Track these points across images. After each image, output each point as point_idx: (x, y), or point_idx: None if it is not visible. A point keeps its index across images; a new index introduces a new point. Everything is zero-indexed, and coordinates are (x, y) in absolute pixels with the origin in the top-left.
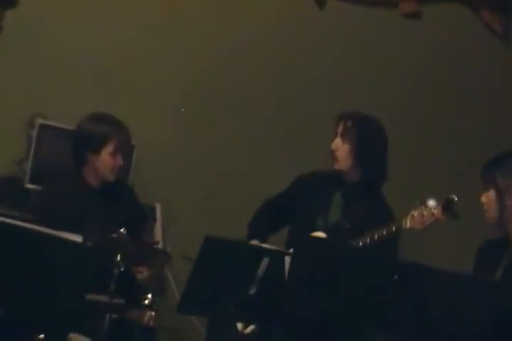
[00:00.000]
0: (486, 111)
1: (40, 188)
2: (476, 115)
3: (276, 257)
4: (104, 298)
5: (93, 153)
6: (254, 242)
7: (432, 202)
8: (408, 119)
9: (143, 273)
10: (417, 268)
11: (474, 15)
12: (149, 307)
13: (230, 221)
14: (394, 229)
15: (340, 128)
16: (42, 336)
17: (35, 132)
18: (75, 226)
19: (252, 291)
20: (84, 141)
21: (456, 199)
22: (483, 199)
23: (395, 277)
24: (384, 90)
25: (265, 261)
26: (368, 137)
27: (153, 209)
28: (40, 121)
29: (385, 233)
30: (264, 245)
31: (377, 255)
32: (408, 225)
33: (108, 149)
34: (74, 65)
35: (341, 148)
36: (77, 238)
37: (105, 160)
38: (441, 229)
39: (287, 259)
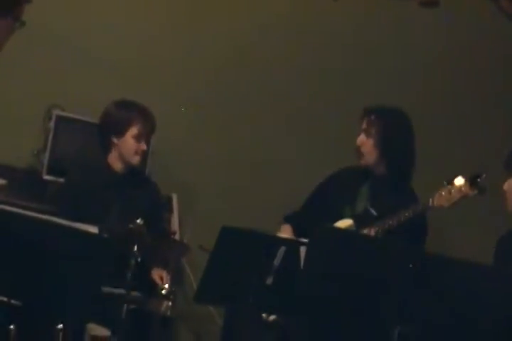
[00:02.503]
0: (507, 99)
1: (57, 180)
2: (496, 104)
3: (293, 247)
4: (120, 291)
5: (118, 135)
6: (286, 226)
7: (459, 180)
8: (424, 110)
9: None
10: (437, 259)
11: (493, 3)
12: (166, 297)
13: (247, 211)
14: (420, 208)
15: (363, 124)
16: (60, 326)
17: (52, 124)
18: (99, 216)
19: (269, 281)
20: (110, 125)
21: (484, 175)
22: (505, 186)
23: (410, 266)
24: (402, 81)
25: (281, 251)
26: (391, 130)
27: (169, 200)
28: (57, 112)
29: (411, 214)
30: (280, 234)
31: (392, 245)
32: (435, 203)
33: (132, 132)
34: (91, 57)
35: (366, 143)
36: (93, 229)
37: (129, 143)
38: (463, 218)
39: (303, 249)
